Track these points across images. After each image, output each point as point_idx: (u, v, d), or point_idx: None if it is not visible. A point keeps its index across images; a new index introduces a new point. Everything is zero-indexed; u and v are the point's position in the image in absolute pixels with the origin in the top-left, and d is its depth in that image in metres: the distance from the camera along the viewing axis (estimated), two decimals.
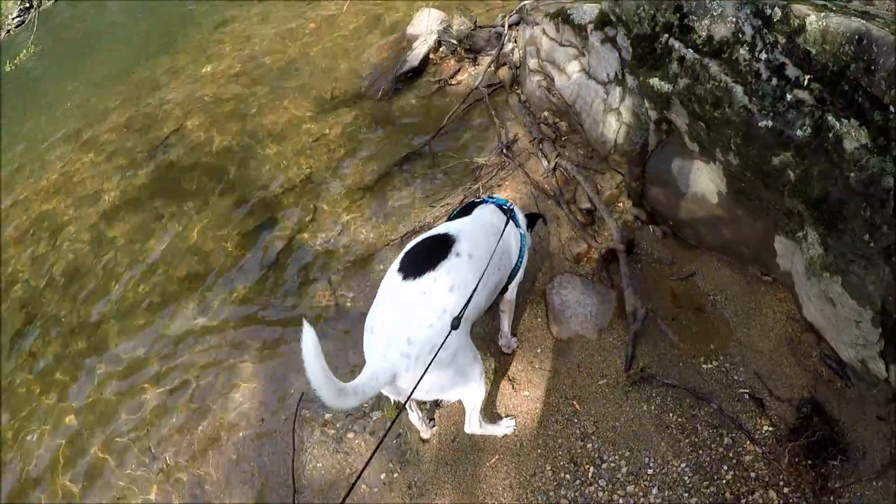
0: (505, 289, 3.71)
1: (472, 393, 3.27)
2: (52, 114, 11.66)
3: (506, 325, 4.06)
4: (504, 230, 3.41)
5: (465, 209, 3.64)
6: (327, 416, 4.24)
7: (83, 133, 9.97)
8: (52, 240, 7.41)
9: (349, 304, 4.94)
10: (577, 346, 4.12)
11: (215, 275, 5.86)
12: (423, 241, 3.29)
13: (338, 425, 4.19)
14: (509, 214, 3.55)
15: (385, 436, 2.70)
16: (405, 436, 3.99)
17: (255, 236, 6.16)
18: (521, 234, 3.62)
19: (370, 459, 2.43)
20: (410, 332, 2.84)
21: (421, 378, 2.72)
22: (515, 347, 4.19)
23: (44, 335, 6.03)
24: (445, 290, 2.98)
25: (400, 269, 3.08)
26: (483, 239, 3.30)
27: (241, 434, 4.42)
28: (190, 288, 5.83)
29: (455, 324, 2.80)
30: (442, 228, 3.36)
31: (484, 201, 3.66)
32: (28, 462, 4.87)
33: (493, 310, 3.97)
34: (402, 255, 3.21)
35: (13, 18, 22.23)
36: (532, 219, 4.02)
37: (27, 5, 22.42)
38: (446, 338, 2.78)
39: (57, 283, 6.64)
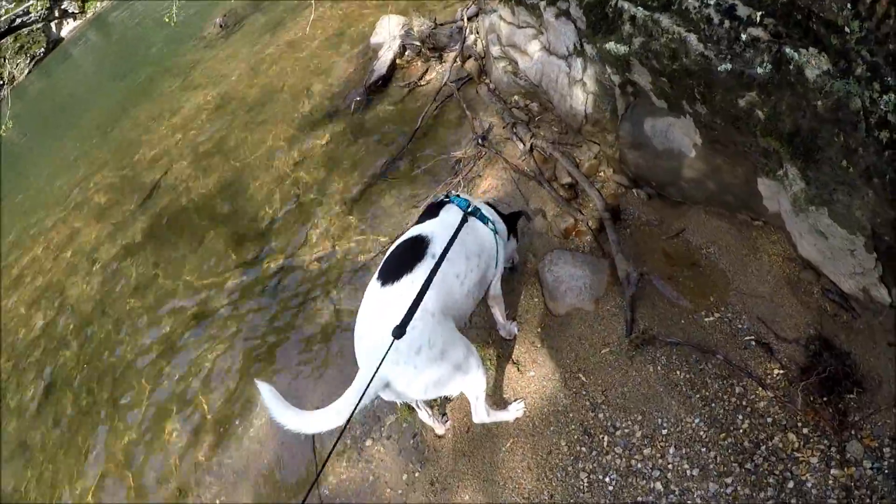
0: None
1: (471, 383, 3.28)
2: (40, 183, 11.97)
3: (499, 316, 4.07)
4: (461, 228, 3.37)
5: (431, 210, 3.63)
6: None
7: (73, 197, 10.19)
8: (58, 304, 7.60)
9: (352, 317, 4.90)
10: (576, 320, 4.09)
11: (218, 313, 5.94)
12: (398, 246, 3.32)
13: (357, 433, 4.20)
14: (469, 214, 3.52)
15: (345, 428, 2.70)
16: (421, 435, 3.99)
17: (252, 267, 6.25)
18: (491, 230, 3.60)
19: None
20: (385, 345, 2.80)
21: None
22: (517, 332, 4.18)
23: (61, 392, 6.22)
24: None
25: (379, 277, 3.11)
26: (455, 242, 3.29)
27: (265, 460, 4.47)
28: (195, 329, 5.91)
29: (396, 333, 2.76)
30: (414, 231, 3.37)
31: (449, 202, 3.64)
32: None
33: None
34: (381, 263, 3.24)
35: None
36: (512, 219, 4.03)
37: (1, 83, 22.66)
38: (388, 350, 2.75)
39: (69, 343, 6.80)
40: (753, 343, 3.58)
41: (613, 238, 4.23)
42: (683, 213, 4.37)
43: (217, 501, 4.42)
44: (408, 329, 2.79)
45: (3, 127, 10.33)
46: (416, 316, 2.86)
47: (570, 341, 3.99)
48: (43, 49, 25.27)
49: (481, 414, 3.49)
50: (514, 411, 3.73)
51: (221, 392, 5.12)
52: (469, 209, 3.53)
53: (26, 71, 24.33)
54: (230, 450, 4.65)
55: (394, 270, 3.08)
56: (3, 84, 22.69)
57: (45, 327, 7.37)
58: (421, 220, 3.61)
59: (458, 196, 3.66)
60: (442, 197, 3.71)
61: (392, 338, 2.75)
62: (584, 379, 3.77)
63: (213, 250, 6.80)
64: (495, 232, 3.63)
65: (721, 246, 4.08)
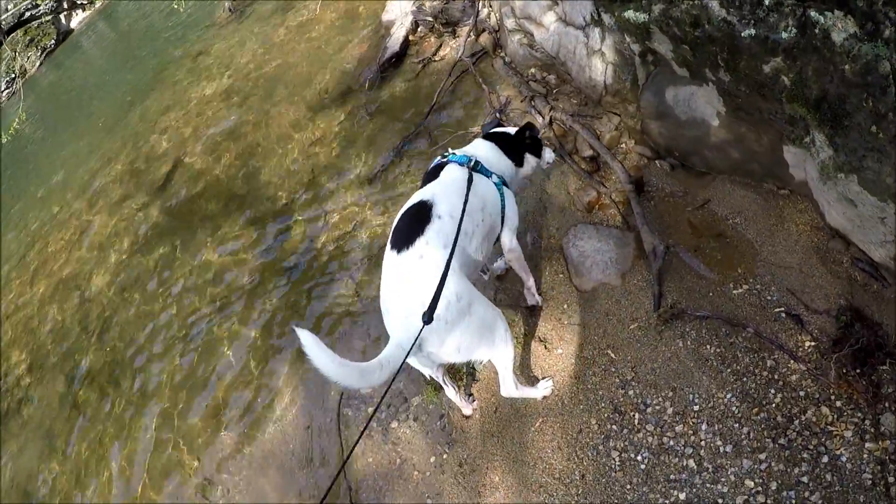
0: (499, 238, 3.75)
1: (500, 352, 3.29)
2: (56, 176, 12.12)
3: (524, 276, 4.05)
4: (469, 186, 3.37)
5: (433, 173, 3.60)
6: (369, 409, 4.28)
7: (89, 187, 10.32)
8: (81, 294, 7.70)
9: (374, 297, 4.91)
10: (602, 295, 4.06)
11: (240, 295, 5.97)
12: (404, 214, 3.32)
13: (382, 416, 4.20)
14: (472, 169, 3.51)
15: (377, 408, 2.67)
16: (448, 416, 3.98)
17: (272, 250, 6.27)
18: (494, 182, 3.59)
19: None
20: (423, 296, 2.84)
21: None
22: (540, 303, 4.18)
23: (86, 383, 6.31)
24: (439, 249, 3.03)
25: (392, 246, 3.13)
26: (457, 198, 3.29)
27: (290, 446, 4.49)
28: (219, 310, 5.97)
29: (426, 319, 2.76)
30: (416, 197, 3.37)
31: (447, 161, 3.61)
32: None
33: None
34: (391, 232, 3.26)
35: (2, 91, 22.68)
36: (519, 141, 3.95)
37: (12, 76, 22.82)
38: (419, 333, 2.77)
39: (92, 333, 6.89)
40: (784, 315, 3.52)
41: (638, 211, 4.18)
42: (708, 183, 4.30)
43: (240, 490, 4.45)
44: (434, 287, 2.82)
45: (17, 120, 10.41)
46: (436, 274, 2.89)
47: (597, 317, 3.96)
48: (53, 41, 25.44)
49: (509, 386, 3.48)
50: (543, 389, 3.71)
51: (243, 375, 5.16)
52: (471, 164, 3.52)
53: (38, 63, 24.50)
54: (254, 437, 4.68)
55: (406, 236, 3.10)
56: (16, 77, 22.83)
57: (65, 318, 7.48)
58: (424, 184, 3.60)
59: (454, 154, 3.64)
60: (439, 159, 3.69)
61: (422, 321, 2.75)
62: (612, 355, 3.74)
63: (231, 233, 6.85)
64: (499, 184, 3.62)
65: (747, 216, 4.02)
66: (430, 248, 3.02)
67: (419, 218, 3.15)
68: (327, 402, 4.50)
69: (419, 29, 7.82)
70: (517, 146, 3.90)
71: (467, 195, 3.26)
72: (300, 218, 6.36)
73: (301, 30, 10.49)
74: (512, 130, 3.94)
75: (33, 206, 11.53)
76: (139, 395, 5.71)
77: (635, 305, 3.92)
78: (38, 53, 24.97)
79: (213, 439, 4.86)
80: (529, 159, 3.96)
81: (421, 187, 3.55)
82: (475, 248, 3.37)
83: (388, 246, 3.16)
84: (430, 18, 7.64)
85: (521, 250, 3.88)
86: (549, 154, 4.11)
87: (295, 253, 6.00)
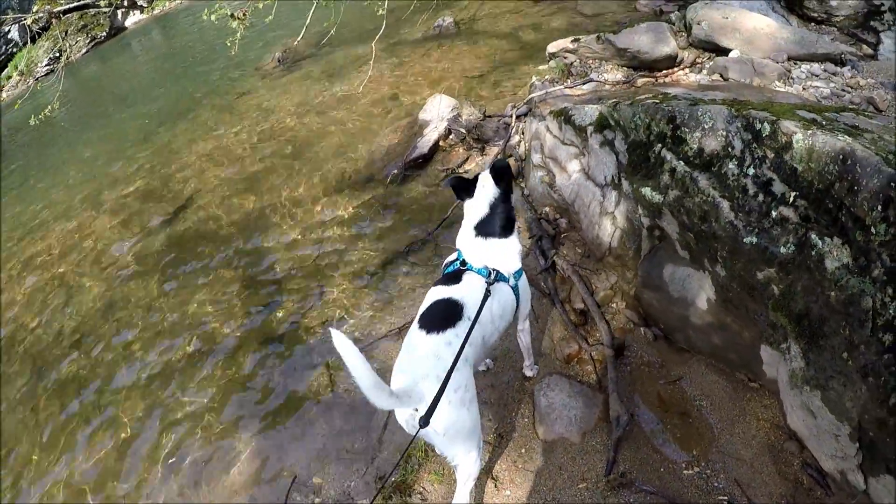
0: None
1: (471, 460, 3.35)
2: (73, 172, 12.08)
3: (525, 349, 4.44)
4: (485, 300, 3.50)
5: (455, 276, 3.68)
6: (317, 500, 4.27)
7: (101, 195, 10.34)
8: (64, 299, 7.66)
9: (347, 390, 4.99)
10: (560, 449, 4.12)
11: (216, 352, 5.97)
12: (436, 304, 3.47)
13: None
14: (491, 283, 3.60)
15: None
16: None
17: (258, 317, 6.28)
18: (512, 286, 3.74)
19: None
20: (438, 370, 3.05)
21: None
22: (535, 374, 4.60)
23: (45, 392, 6.26)
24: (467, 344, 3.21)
25: (422, 327, 3.31)
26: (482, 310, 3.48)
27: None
28: (190, 362, 5.94)
29: (422, 423, 2.91)
30: (446, 294, 3.51)
31: (467, 270, 3.69)
32: None
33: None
34: (418, 317, 3.42)
35: (42, 66, 22.89)
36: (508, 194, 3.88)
37: (56, 55, 23.06)
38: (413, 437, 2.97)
39: (63, 343, 6.84)
40: None
41: (612, 376, 4.31)
42: (685, 360, 4.44)
43: None
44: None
45: (49, 108, 10.51)
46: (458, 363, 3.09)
47: (550, 469, 4.02)
48: (104, 33, 25.88)
49: (464, 498, 3.50)
50: None
51: (199, 435, 5.14)
52: (490, 278, 3.62)
53: (83, 50, 24.85)
54: (199, 491, 4.66)
55: (438, 323, 3.28)
56: (60, 56, 23.07)
57: (46, 320, 7.47)
58: (446, 282, 3.66)
59: (472, 266, 3.69)
60: (457, 265, 3.74)
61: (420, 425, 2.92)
62: None
63: (224, 287, 6.87)
64: (518, 273, 3.79)
65: (714, 401, 4.14)
66: (458, 341, 3.18)
67: (452, 313, 3.34)
68: (280, 480, 4.51)
69: (450, 136, 8.01)
70: (507, 211, 3.86)
71: (480, 308, 3.40)
72: (293, 293, 6.41)
73: (340, 102, 10.73)
74: (489, 192, 3.80)
75: (40, 198, 11.59)
76: (92, 410, 5.72)
77: (588, 466, 3.97)
78: (87, 41, 25.38)
79: (160, 493, 4.82)
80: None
81: (444, 284, 3.66)
82: (491, 345, 3.69)
83: (416, 326, 3.34)
84: (464, 130, 7.86)
85: (530, 329, 4.26)
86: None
87: (279, 327, 6.02)
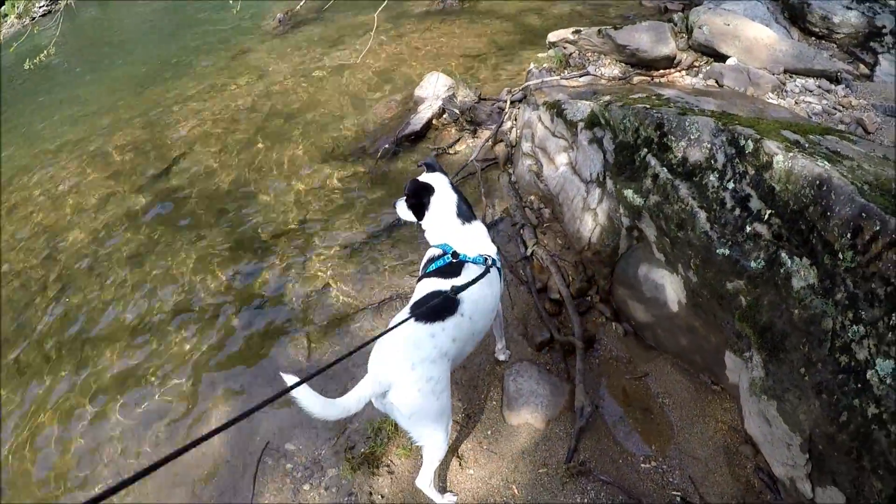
0: None
1: (437, 444, 3.48)
2: (64, 118, 11.73)
3: (497, 334, 4.61)
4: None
5: (453, 267, 3.63)
6: (288, 465, 4.36)
7: (91, 145, 10.14)
8: (47, 250, 7.57)
9: (323, 360, 5.06)
10: (524, 433, 4.25)
11: (197, 312, 5.99)
12: (431, 294, 3.46)
13: (298, 475, 4.30)
14: (489, 266, 3.63)
15: None
16: (356, 496, 4.09)
17: (241, 279, 6.30)
18: (498, 269, 3.74)
19: None
20: (414, 357, 3.18)
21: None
22: (507, 358, 4.73)
23: (29, 345, 6.19)
24: (449, 339, 3.32)
25: (413, 314, 3.33)
26: (481, 303, 3.54)
27: (203, 472, 4.50)
28: (170, 322, 5.96)
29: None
30: (444, 286, 3.46)
31: (466, 260, 3.65)
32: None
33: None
34: (412, 303, 3.52)
35: (39, 6, 22.34)
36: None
37: None
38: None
39: (46, 294, 6.79)
40: (679, 499, 3.76)
41: (580, 367, 4.44)
42: (652, 358, 4.59)
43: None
44: (427, 361, 3.19)
45: (45, 52, 10.34)
46: (437, 353, 3.23)
47: (513, 452, 4.15)
48: None
49: (426, 480, 3.64)
50: (447, 500, 3.85)
51: (174, 394, 5.16)
52: (489, 262, 3.64)
53: None
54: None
55: (429, 315, 3.30)
56: None
57: (27, 267, 7.41)
58: (439, 270, 3.64)
59: (467, 255, 3.66)
60: (449, 258, 3.66)
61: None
62: (515, 491, 3.92)
63: (210, 248, 6.86)
64: (499, 269, 3.81)
65: (676, 400, 4.30)
66: (444, 334, 3.28)
67: (446, 307, 3.35)
68: (252, 444, 4.56)
69: (444, 116, 8.01)
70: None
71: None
72: (276, 258, 6.43)
73: (336, 71, 10.68)
74: (444, 179, 3.86)
75: (34, 137, 11.34)
76: (73, 372, 5.68)
77: (550, 452, 4.11)
78: None
79: (129, 455, 4.81)
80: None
81: (422, 276, 3.71)
82: (476, 342, 3.70)
83: (408, 312, 3.39)
84: (458, 111, 7.90)
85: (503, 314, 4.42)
86: None
87: (260, 292, 6.05)
